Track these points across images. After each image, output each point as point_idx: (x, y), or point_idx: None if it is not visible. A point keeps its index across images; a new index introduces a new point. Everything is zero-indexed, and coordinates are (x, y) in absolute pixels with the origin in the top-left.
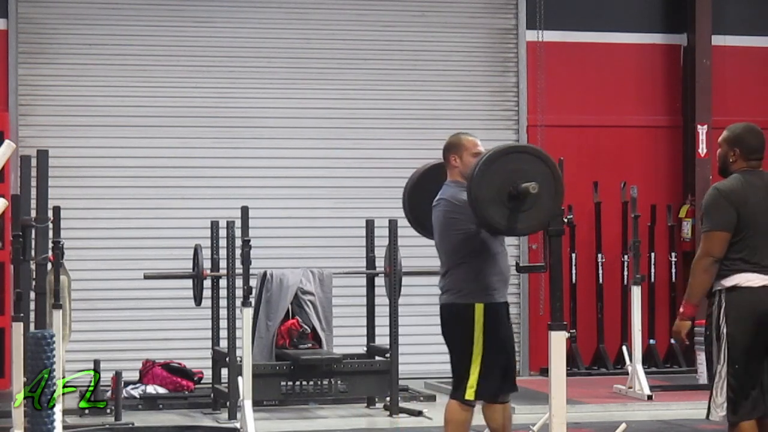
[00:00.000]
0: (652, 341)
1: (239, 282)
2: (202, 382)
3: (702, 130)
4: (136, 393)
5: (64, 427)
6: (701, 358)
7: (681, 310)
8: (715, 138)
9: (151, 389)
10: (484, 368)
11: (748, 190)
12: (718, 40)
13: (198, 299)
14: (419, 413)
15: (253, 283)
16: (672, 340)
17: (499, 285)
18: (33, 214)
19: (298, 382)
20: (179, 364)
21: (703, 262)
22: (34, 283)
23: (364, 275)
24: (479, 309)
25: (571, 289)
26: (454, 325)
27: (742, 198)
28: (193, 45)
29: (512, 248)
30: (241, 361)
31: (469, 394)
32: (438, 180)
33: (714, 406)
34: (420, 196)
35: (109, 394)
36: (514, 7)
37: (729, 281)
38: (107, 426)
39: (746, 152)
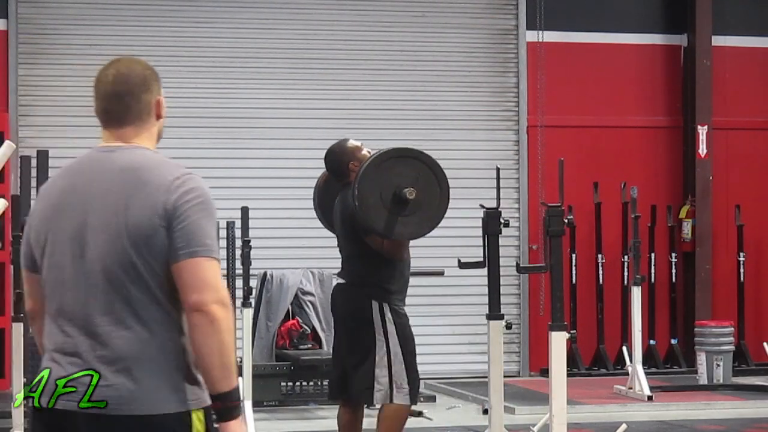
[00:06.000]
0: (652, 342)
1: (239, 282)
2: None
3: (702, 131)
4: None
5: None
6: (701, 358)
7: None
8: (716, 138)
9: None
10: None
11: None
12: (718, 40)
13: None
14: (419, 413)
15: (254, 283)
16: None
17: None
18: None
19: (298, 383)
20: None
21: None
22: None
23: None
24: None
25: (571, 289)
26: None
27: None
28: (193, 45)
29: (512, 249)
30: (241, 362)
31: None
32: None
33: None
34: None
35: None
36: (514, 8)
37: None
38: None
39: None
